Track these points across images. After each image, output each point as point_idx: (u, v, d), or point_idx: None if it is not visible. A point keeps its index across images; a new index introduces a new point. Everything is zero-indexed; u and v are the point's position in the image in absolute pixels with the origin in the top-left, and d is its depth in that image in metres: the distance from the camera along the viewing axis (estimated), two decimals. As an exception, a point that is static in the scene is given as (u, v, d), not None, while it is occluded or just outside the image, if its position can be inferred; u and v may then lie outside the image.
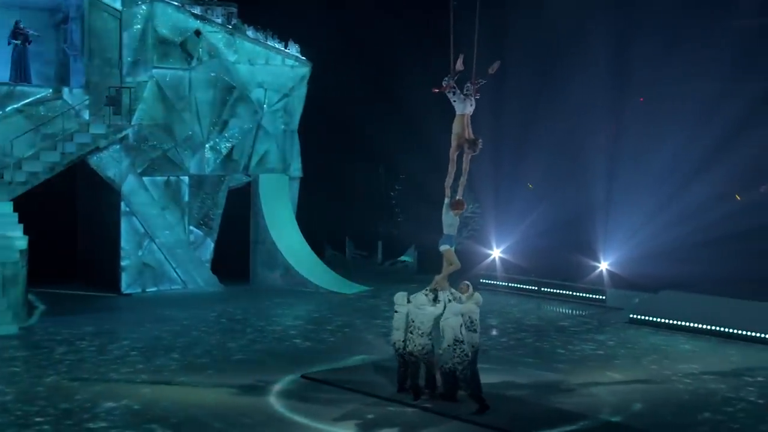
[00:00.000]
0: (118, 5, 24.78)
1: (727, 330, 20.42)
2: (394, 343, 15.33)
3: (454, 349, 14.41)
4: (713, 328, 20.61)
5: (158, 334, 20.36)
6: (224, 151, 26.97)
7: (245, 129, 27.31)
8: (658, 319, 21.59)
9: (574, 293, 25.19)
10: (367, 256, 32.44)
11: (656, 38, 24.90)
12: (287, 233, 27.88)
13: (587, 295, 24.92)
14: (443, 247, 15.78)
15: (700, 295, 21.37)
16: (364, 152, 31.68)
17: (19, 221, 24.05)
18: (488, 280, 27.18)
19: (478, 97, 15.65)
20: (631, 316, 22.24)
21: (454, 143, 15.63)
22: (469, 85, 15.60)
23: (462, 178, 15.92)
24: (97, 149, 24.44)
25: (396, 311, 15.36)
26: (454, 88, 15.56)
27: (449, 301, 15.17)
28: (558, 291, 25.57)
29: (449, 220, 15.75)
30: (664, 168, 24.96)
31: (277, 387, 16.07)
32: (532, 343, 20.14)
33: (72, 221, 27.52)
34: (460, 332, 14.46)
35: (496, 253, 27.83)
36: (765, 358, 18.62)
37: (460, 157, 15.90)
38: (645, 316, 21.92)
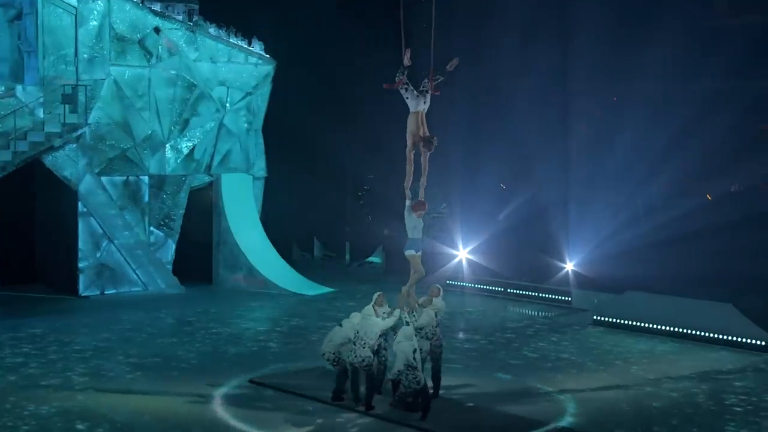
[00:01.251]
0: (73, 1, 24.20)
1: (690, 332, 20.02)
2: (324, 353, 14.84)
3: (407, 375, 13.89)
4: (677, 329, 20.22)
5: (108, 336, 19.88)
6: (185, 151, 26.43)
7: (207, 128, 26.77)
8: (622, 321, 21.18)
9: (540, 294, 24.76)
10: (335, 256, 32.00)
11: (619, 33, 24.49)
12: (251, 234, 27.38)
13: (553, 297, 24.50)
14: (408, 252, 15.30)
15: (664, 296, 21.00)
16: (333, 152, 31.24)
17: None
18: (454, 281, 26.74)
19: (438, 94, 15.17)
20: (594, 317, 21.83)
21: (409, 142, 15.12)
22: (426, 81, 15.10)
23: (422, 178, 15.42)
24: (52, 148, 23.87)
25: (340, 325, 14.86)
26: (407, 84, 15.03)
27: (406, 323, 14.74)
28: (524, 292, 25.13)
29: (412, 222, 15.21)
30: (628, 167, 24.59)
31: (223, 392, 15.61)
32: (493, 346, 19.71)
33: (32, 221, 26.92)
34: (413, 357, 13.94)
35: (462, 254, 27.35)
36: (725, 360, 18.28)
37: (418, 156, 15.39)
38: (609, 317, 21.51)
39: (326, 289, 26.44)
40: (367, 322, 14.49)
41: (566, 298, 24.20)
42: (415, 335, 14.81)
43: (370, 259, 31.07)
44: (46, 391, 15.29)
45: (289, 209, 31.68)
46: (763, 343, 18.95)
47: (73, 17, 24.27)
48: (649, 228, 23.85)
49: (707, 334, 19.74)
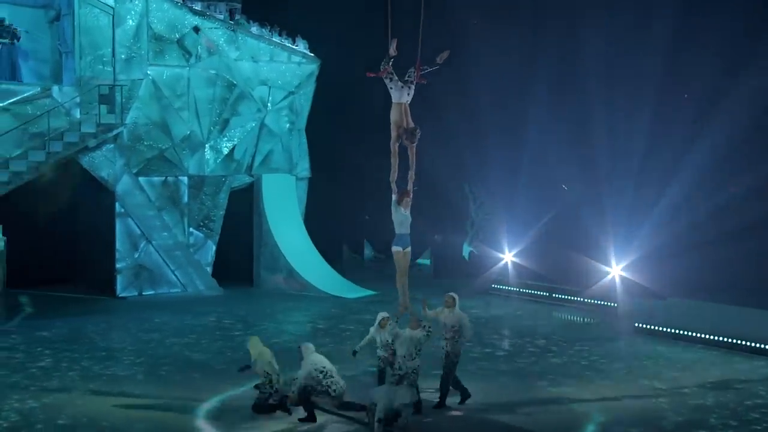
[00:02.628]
0: (110, 1, 24.11)
1: (734, 341, 18.81)
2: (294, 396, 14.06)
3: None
4: (720, 338, 19.02)
5: (129, 339, 19.61)
6: (225, 151, 26.17)
7: (248, 128, 26.47)
8: (664, 329, 20.07)
9: (585, 300, 23.75)
10: (384, 258, 31.38)
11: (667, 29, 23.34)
12: (292, 235, 26.97)
13: (598, 302, 23.45)
14: (394, 249, 14.62)
15: (708, 303, 19.80)
16: (381, 150, 30.68)
17: (20, 222, 23.87)
18: (500, 285, 25.94)
19: (424, 83, 14.51)
20: (636, 324, 20.75)
21: (393, 133, 14.47)
22: (412, 70, 14.44)
23: (410, 171, 14.75)
24: (87, 149, 23.79)
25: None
26: (392, 73, 14.40)
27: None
28: (569, 297, 24.17)
29: (399, 218, 14.55)
30: (681, 168, 23.36)
31: (223, 397, 15.07)
32: (527, 352, 18.84)
33: (74, 222, 26.99)
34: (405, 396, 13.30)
35: (508, 257, 26.47)
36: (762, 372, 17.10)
37: (405, 149, 14.73)
38: (651, 325, 20.42)
39: (367, 292, 25.85)
40: (318, 358, 14.16)
41: (612, 304, 23.10)
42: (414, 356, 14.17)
43: (419, 261, 30.38)
44: (41, 391, 15.05)
45: (340, 210, 31.29)
46: (811, 354, 17.69)
47: (111, 17, 24.20)
48: (702, 231, 22.55)
49: (752, 344, 18.52)
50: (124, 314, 22.45)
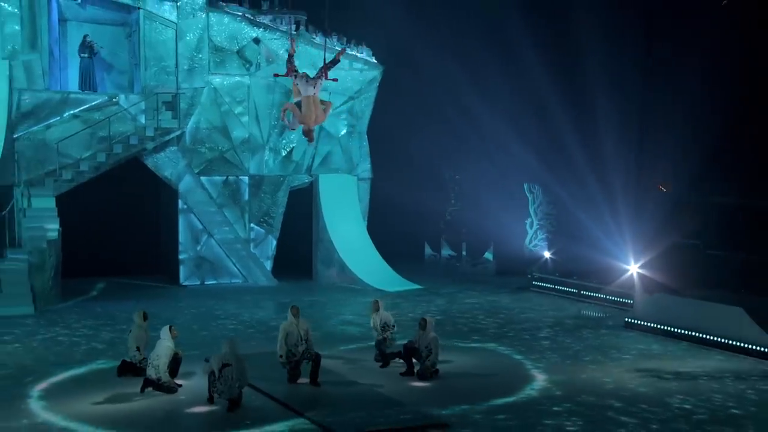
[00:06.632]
0: (173, 17, 26.70)
1: (700, 335, 18.82)
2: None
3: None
4: (689, 333, 19.10)
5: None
6: (284, 153, 28.18)
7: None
8: (644, 323, 20.30)
9: (606, 296, 24.01)
10: (456, 256, 32.55)
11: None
12: (349, 232, 28.49)
13: (618, 299, 23.64)
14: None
15: (686, 299, 19.88)
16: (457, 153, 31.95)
17: (111, 217, 27.39)
18: (538, 282, 26.50)
19: (335, 81, 16.37)
20: (626, 320, 21.01)
21: (297, 116, 16.05)
22: (320, 67, 16.04)
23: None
24: (150, 150, 26.45)
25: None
26: (296, 71, 15.98)
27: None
28: (592, 294, 24.49)
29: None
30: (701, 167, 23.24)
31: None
32: (500, 328, 20.22)
33: (155, 217, 29.83)
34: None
35: (546, 254, 27.03)
36: (726, 365, 17.17)
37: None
38: (637, 320, 20.66)
39: (412, 286, 27.01)
40: (159, 344, 14.84)
41: (628, 301, 23.25)
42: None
43: (485, 255, 31.35)
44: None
45: (422, 210, 32.68)
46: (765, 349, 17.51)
47: (174, 32, 26.77)
48: (714, 229, 22.39)
49: (715, 339, 18.50)
50: (174, 300, 24.68)
